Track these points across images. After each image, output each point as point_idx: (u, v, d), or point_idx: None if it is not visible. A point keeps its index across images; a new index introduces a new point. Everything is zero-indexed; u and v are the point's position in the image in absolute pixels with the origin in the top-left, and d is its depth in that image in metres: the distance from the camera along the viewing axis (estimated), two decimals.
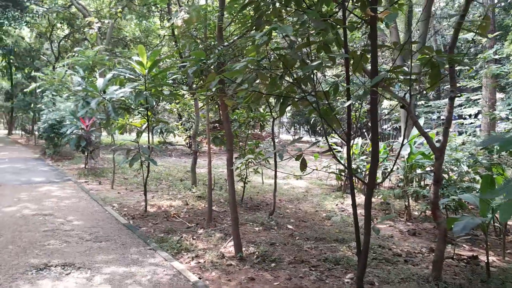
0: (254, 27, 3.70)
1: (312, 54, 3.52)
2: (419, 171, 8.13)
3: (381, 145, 12.09)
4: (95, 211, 7.06)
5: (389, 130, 19.11)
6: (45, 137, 15.16)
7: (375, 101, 2.95)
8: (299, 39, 3.25)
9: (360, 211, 8.26)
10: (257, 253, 5.12)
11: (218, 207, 7.80)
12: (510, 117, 13.68)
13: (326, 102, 3.47)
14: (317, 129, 24.90)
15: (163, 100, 7.93)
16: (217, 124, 21.77)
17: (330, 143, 11.90)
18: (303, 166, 3.55)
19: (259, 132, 18.69)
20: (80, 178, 10.76)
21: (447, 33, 22.99)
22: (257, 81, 3.37)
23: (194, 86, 7.22)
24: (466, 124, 16.81)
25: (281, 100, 3.52)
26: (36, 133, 19.57)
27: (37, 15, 20.18)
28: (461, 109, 17.90)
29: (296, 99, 3.31)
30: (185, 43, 6.09)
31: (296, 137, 31.47)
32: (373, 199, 9.41)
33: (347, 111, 3.23)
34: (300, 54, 2.96)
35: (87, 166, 11.90)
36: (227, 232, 6.03)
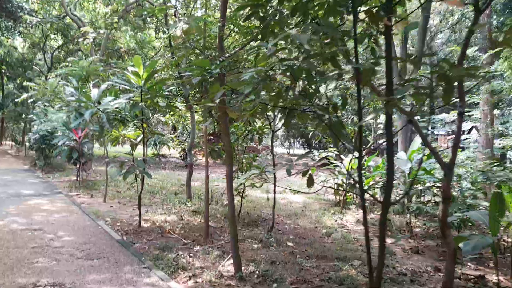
0: (259, 37, 3.55)
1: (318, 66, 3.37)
2: (420, 187, 7.97)
3: (379, 160, 11.99)
4: (87, 225, 6.78)
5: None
6: (36, 148, 14.83)
7: (390, 116, 2.79)
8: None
9: (361, 227, 8.11)
10: (257, 272, 4.89)
11: (214, 222, 7.56)
12: (505, 133, 13.69)
13: (335, 115, 3.31)
14: (312, 142, 24.76)
15: (158, 112, 7.74)
16: (211, 137, 21.62)
17: (327, 157, 11.71)
18: (310, 182, 3.37)
19: (254, 145, 18.50)
20: (72, 191, 10.46)
21: (441, 50, 23.14)
22: (263, 93, 3.21)
23: (191, 97, 7.05)
24: (463, 139, 16.81)
25: (287, 113, 3.36)
26: (27, 144, 19.20)
27: (30, 26, 19.98)
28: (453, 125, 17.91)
29: (304, 112, 3.13)
30: (183, 54, 5.92)
31: (296, 151, 31.39)
32: (372, 215, 9.30)
33: (358, 125, 3.06)
34: (313, 66, 2.79)
35: (78, 179, 11.60)
36: (225, 250, 5.79)
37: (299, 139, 28.60)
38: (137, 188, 7.22)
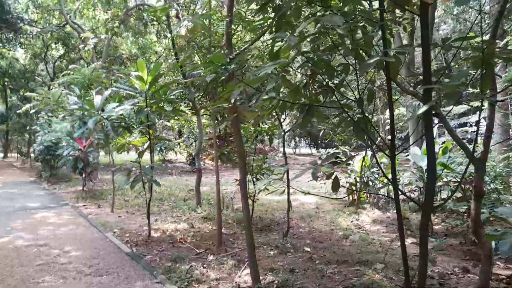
0: (270, 30, 3.27)
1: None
2: (439, 183, 7.64)
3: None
4: (95, 238, 6.52)
5: (381, 139, 18.57)
6: (41, 160, 14.66)
7: (430, 110, 2.48)
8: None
9: (378, 227, 7.80)
10: (276, 282, 4.60)
11: (226, 229, 7.27)
12: None
13: (360, 111, 3.02)
14: (319, 141, 24.40)
15: (164, 117, 7.49)
16: (217, 140, 21.32)
17: (337, 155, 11.35)
18: (336, 186, 3.07)
19: (261, 146, 18.22)
20: (78, 201, 10.21)
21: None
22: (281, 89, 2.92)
23: (196, 101, 6.77)
24: (471, 131, 16.39)
25: (306, 110, 3.07)
26: (32, 155, 19.05)
27: (31, 36, 19.84)
28: (469, 117, 17.44)
29: (327, 108, 2.84)
30: (188, 54, 5.64)
31: (302, 150, 31.13)
32: (388, 214, 8.97)
33: (390, 121, 2.77)
34: (348, 50, 2.48)
35: (85, 189, 11.36)
36: (240, 258, 5.51)
37: (305, 138, 28.22)
38: (145, 196, 6.96)
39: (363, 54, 2.74)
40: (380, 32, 2.88)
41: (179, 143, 15.88)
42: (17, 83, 24.75)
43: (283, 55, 2.50)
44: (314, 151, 25.91)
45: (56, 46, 22.71)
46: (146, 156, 7.87)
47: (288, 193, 6.58)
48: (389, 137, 2.99)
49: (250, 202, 7.87)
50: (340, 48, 2.74)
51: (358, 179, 9.74)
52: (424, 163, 7.79)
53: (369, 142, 3.22)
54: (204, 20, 4.96)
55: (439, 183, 7.71)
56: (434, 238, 6.71)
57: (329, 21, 2.03)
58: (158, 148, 16.97)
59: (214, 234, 6.78)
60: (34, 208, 9.15)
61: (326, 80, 2.99)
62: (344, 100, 3.56)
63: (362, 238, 6.78)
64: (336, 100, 2.85)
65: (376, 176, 9.55)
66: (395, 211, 9.02)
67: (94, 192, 11.49)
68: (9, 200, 10.18)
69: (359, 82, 6.65)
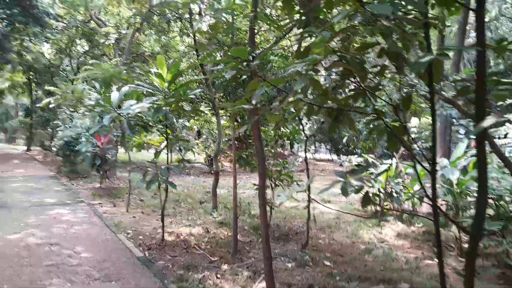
0: (301, 25, 2.97)
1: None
2: (469, 198, 7.17)
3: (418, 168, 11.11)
4: (107, 239, 6.32)
5: (419, 150, 17.96)
6: (61, 154, 14.72)
7: (485, 130, 2.13)
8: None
9: (403, 242, 7.37)
10: None
11: (242, 236, 6.98)
12: None
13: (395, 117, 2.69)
14: (340, 147, 23.79)
15: (183, 116, 7.28)
16: (235, 142, 20.98)
17: (355, 163, 10.90)
18: (367, 201, 2.75)
19: (281, 151, 17.87)
20: (94, 199, 10.10)
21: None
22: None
23: (217, 101, 6.52)
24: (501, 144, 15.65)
25: (335, 115, 2.75)
26: (54, 149, 19.23)
27: (56, 31, 20.02)
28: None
29: (361, 113, 2.52)
30: (209, 52, 5.38)
31: (322, 156, 30.56)
32: (413, 228, 8.52)
33: (432, 130, 2.43)
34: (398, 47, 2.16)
35: (102, 186, 11.26)
36: (256, 269, 5.21)
37: (326, 143, 27.67)
38: (161, 198, 6.75)
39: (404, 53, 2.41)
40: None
41: (197, 144, 15.68)
42: (42, 77, 25.06)
43: (315, 51, 2.19)
44: (334, 157, 25.31)
45: (80, 42, 22.90)
46: (164, 155, 7.67)
47: (309, 203, 6.23)
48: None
49: (268, 208, 7.61)
50: (376, 46, 2.43)
51: (382, 189, 9.31)
52: (453, 176, 7.35)
53: (394, 152, 2.89)
54: (227, 16, 4.70)
55: (469, 198, 7.25)
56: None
57: (378, 8, 1.72)
58: (177, 148, 16.83)
59: (229, 241, 6.51)
60: (50, 204, 9.07)
61: (359, 82, 2.68)
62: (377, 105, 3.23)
63: (385, 254, 6.39)
64: (372, 105, 2.53)
65: (401, 187, 9.11)
66: (419, 224, 8.60)
67: (111, 190, 11.38)
68: (27, 194, 10.14)
69: (389, 86, 6.23)
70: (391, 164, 9.95)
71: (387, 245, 7.03)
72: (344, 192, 2.48)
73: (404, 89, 3.35)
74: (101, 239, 6.32)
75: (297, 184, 7.29)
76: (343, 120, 2.80)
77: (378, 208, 9.36)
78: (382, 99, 2.98)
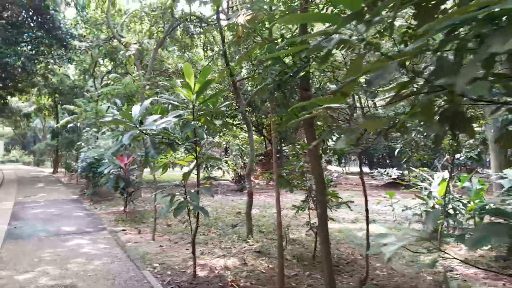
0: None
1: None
2: None
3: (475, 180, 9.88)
4: (130, 278, 5.43)
5: (463, 160, 16.55)
6: (84, 177, 14.16)
7: None
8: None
9: (474, 270, 6.23)
10: None
11: (286, 268, 5.98)
12: None
13: None
14: (375, 160, 22.56)
15: (213, 131, 6.47)
16: (262, 157, 19.98)
17: (411, 178, 9.72)
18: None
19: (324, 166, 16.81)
20: (117, 225, 9.32)
21: None
22: None
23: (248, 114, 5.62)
24: None
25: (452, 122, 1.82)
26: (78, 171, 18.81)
27: (79, 51, 19.81)
28: None
29: None
30: (253, 47, 4.50)
31: (352, 169, 29.40)
32: (480, 251, 7.34)
33: None
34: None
35: (126, 210, 10.50)
36: None
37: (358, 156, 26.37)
38: (190, 225, 5.86)
39: None
40: None
41: (226, 161, 14.83)
42: (66, 99, 25.00)
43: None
44: (367, 169, 24.03)
45: (104, 62, 22.70)
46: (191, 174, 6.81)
47: (367, 229, 5.20)
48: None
49: (311, 232, 6.62)
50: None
51: (438, 206, 8.18)
52: None
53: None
54: (267, 8, 3.85)
55: None
56: None
57: None
58: (204, 165, 16.07)
59: (272, 275, 5.55)
60: (69, 233, 8.30)
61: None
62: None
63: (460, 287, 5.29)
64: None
65: (461, 204, 7.96)
66: (487, 247, 7.41)
67: (135, 214, 10.61)
68: (45, 222, 9.44)
69: None
70: (445, 177, 8.82)
71: (457, 275, 5.92)
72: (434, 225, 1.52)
73: None
74: (124, 277, 5.43)
75: (347, 205, 6.29)
76: (461, 125, 1.88)
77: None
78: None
